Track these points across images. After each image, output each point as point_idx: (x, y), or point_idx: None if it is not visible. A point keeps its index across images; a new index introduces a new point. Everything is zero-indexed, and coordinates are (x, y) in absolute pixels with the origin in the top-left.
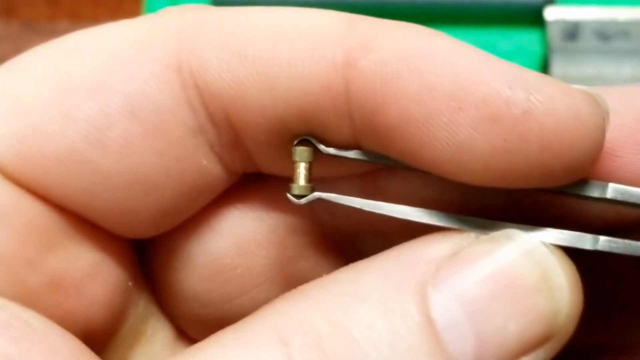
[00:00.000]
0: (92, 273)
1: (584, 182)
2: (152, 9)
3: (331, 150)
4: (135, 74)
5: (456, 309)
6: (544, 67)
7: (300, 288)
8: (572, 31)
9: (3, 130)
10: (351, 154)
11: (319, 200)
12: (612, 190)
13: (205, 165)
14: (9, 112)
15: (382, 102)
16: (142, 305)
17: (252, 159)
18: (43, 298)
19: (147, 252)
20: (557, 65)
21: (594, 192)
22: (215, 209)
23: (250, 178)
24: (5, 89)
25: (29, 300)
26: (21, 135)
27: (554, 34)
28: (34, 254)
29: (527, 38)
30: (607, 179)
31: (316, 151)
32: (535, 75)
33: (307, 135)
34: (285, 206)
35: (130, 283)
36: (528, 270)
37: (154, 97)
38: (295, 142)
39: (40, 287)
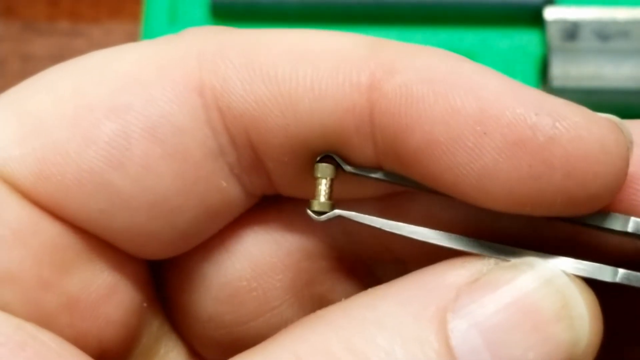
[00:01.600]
0: (108, 294)
1: (605, 214)
2: (152, 9)
3: (353, 169)
4: (156, 95)
5: (475, 336)
6: (544, 67)
7: (319, 313)
8: (572, 31)
9: (22, 150)
10: (373, 174)
11: (339, 218)
12: (634, 224)
13: (224, 188)
14: (28, 132)
15: (406, 125)
16: (156, 326)
17: (271, 181)
18: (58, 319)
19: (162, 273)
20: (557, 65)
21: (616, 225)
22: (233, 232)
23: (267, 201)
24: (25, 108)
25: (44, 320)
26: (40, 155)
27: (553, 33)
28: (50, 275)
29: (526, 38)
30: (628, 213)
31: (338, 170)
32: (561, 102)
33: (330, 152)
34: (302, 230)
35: (144, 304)
36: (548, 299)
37: (175, 118)
38: (318, 158)
39: (56, 308)
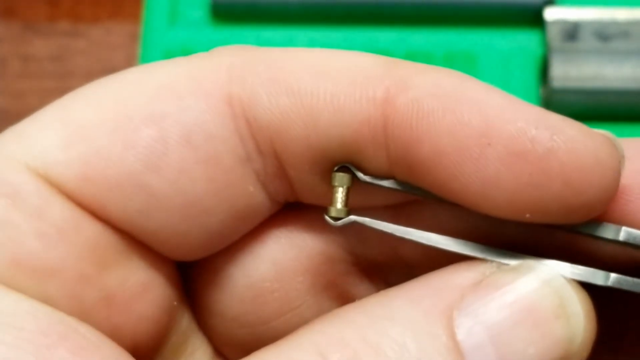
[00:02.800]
0: (142, 291)
1: (599, 224)
2: (152, 9)
3: (367, 178)
4: (191, 105)
5: (480, 332)
6: (544, 68)
7: (336, 311)
8: (572, 31)
9: (68, 155)
10: (386, 183)
11: (354, 224)
12: (625, 233)
13: (252, 193)
14: (74, 138)
15: (417, 137)
16: (184, 324)
17: (293, 189)
18: (96, 313)
19: (190, 274)
20: (557, 65)
21: (608, 234)
22: (257, 235)
23: (290, 208)
24: (70, 117)
25: (83, 314)
26: (84, 159)
27: (553, 34)
28: (90, 271)
29: (526, 38)
30: (620, 223)
31: (354, 179)
32: (559, 118)
33: (347, 162)
34: (322, 236)
35: (175, 302)
36: (547, 298)
37: (208, 126)
38: (335, 168)
39: (94, 302)
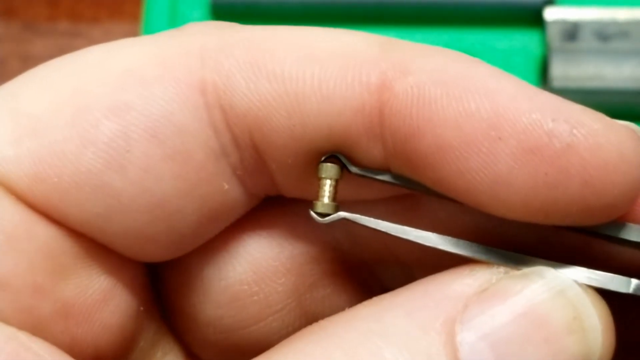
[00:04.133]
0: (104, 299)
1: (620, 224)
2: (152, 9)
3: (359, 170)
4: (157, 94)
5: (485, 349)
6: (544, 68)
7: (322, 324)
8: (572, 31)
9: (17, 151)
10: (380, 176)
11: (343, 221)
12: None
13: (226, 189)
14: (24, 131)
15: (418, 127)
16: (153, 329)
17: (274, 182)
18: (52, 325)
19: (160, 274)
20: (557, 65)
21: (631, 236)
22: (234, 234)
23: (270, 203)
24: (20, 106)
25: (38, 327)
26: (36, 156)
27: (553, 34)
28: (44, 281)
29: (526, 38)
30: None
31: (343, 170)
32: (579, 108)
33: (336, 152)
34: (305, 233)
35: (141, 308)
36: (560, 310)
37: (176, 118)
38: (323, 158)
39: (50, 314)
